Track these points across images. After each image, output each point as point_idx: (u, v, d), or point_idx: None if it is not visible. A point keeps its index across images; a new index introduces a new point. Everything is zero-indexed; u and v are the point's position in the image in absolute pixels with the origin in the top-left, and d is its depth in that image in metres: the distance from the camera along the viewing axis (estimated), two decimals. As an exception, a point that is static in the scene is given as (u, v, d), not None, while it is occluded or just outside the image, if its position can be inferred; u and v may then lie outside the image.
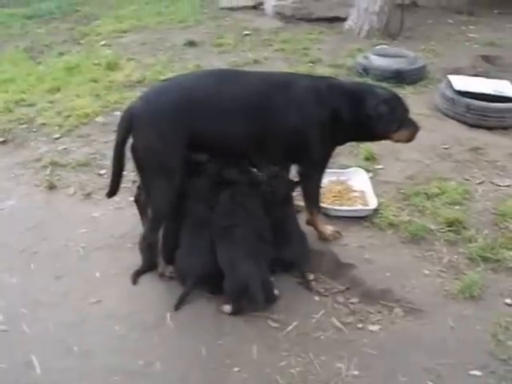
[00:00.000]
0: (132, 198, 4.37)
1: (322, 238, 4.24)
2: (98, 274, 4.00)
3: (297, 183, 4.20)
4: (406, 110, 4.04)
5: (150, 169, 3.68)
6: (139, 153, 3.65)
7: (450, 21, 10.74)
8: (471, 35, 9.86)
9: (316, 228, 4.25)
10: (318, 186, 4.15)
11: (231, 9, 11.40)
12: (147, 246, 3.89)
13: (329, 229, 4.27)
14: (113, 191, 3.96)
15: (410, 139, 4.10)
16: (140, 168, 3.73)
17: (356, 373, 3.17)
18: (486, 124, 6.12)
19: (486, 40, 9.48)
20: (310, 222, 4.25)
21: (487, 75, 7.07)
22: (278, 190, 4.09)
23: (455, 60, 8.33)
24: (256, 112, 3.74)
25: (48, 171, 5.32)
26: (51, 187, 5.06)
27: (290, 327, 3.49)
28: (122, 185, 4.00)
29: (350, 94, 3.93)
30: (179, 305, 3.64)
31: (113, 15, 11.44)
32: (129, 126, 3.65)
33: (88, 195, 4.94)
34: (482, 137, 5.94)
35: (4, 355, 3.34)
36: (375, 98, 3.87)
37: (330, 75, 6.13)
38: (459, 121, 6.26)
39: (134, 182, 4.66)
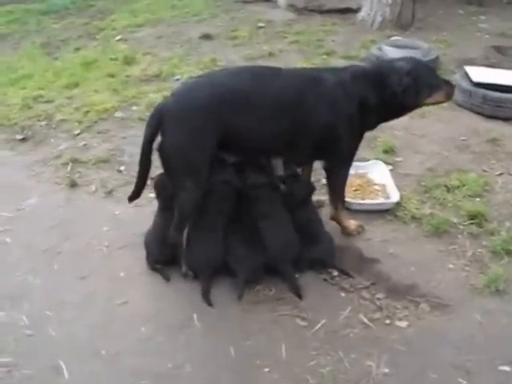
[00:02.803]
0: (152, 195, 4.36)
1: (346, 233, 4.24)
2: (122, 274, 3.96)
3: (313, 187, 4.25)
4: (432, 72, 4.04)
5: (178, 167, 3.65)
6: (168, 150, 3.61)
7: (461, 11, 10.73)
8: (482, 25, 9.85)
9: (340, 223, 4.24)
10: (344, 182, 4.14)
11: (244, 1, 11.38)
12: (173, 246, 3.87)
13: (353, 223, 4.25)
14: (136, 194, 3.97)
15: (448, 98, 4.10)
16: (167, 166, 3.70)
17: (386, 370, 3.16)
18: (503, 115, 6.12)
19: (497, 30, 9.48)
20: (334, 217, 4.24)
21: (500, 66, 7.07)
22: (296, 191, 4.09)
23: (467, 51, 8.30)
24: (288, 109, 3.71)
25: (69, 168, 5.30)
26: (72, 185, 5.03)
27: (318, 325, 3.48)
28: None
29: (372, 78, 3.90)
30: (208, 300, 3.67)
31: (127, 9, 11.43)
32: (158, 123, 3.61)
33: (109, 192, 4.90)
34: (499, 128, 5.94)
35: (31, 360, 3.28)
36: (396, 73, 3.84)
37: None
38: (476, 112, 6.24)
39: (152, 179, 4.66)
